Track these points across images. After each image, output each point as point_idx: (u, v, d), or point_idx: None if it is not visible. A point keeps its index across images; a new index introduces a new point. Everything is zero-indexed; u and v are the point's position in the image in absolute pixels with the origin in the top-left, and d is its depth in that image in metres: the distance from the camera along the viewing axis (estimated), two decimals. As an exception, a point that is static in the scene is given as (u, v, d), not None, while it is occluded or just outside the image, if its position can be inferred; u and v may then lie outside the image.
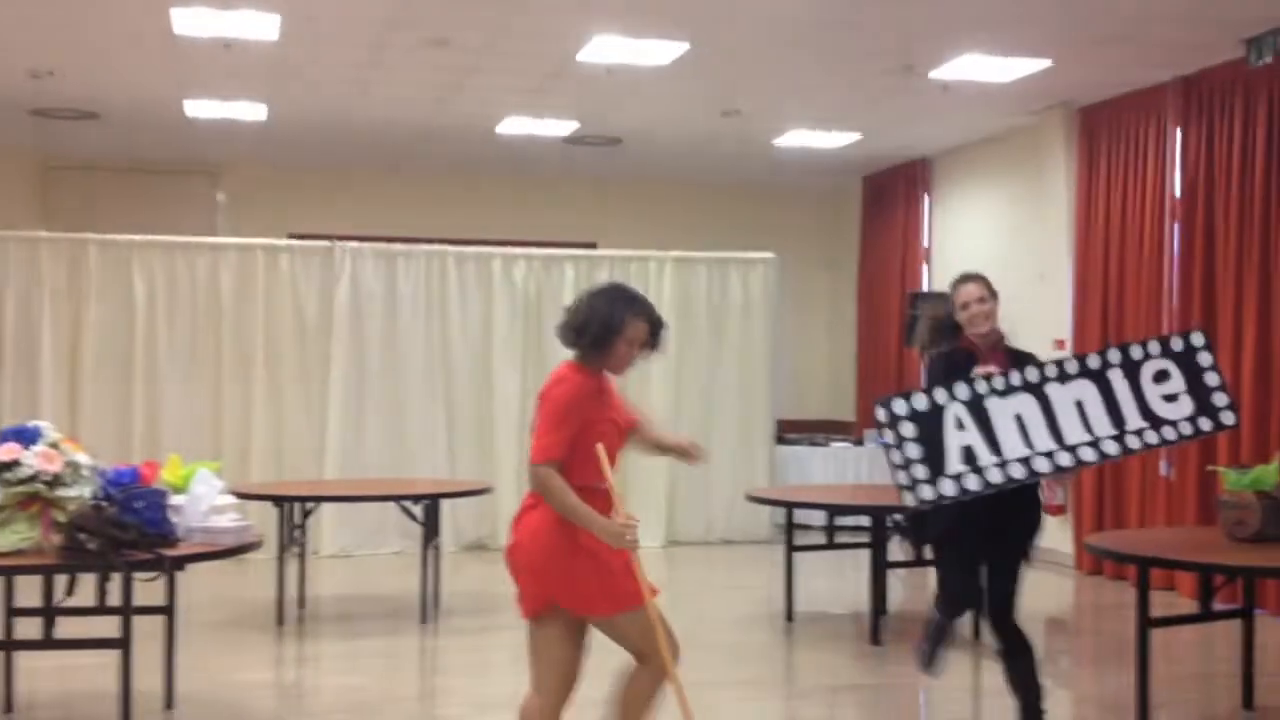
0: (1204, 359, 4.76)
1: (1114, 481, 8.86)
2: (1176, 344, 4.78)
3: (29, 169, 11.17)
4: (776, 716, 5.68)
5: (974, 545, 4.76)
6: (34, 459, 4.63)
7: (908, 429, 4.45)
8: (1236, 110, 7.95)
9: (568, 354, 3.94)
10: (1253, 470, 5.31)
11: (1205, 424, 4.71)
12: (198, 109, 9.57)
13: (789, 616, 7.46)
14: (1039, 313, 9.79)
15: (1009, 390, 4.55)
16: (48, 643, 4.99)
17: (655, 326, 3.89)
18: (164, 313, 9.79)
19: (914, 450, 4.43)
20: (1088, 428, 4.58)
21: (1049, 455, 4.54)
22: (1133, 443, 4.63)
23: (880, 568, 6.99)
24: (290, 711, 5.71)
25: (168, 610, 5.31)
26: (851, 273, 12.70)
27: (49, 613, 5.00)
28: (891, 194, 12.02)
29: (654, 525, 10.53)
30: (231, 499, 5.16)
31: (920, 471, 4.42)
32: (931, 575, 9.05)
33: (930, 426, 4.46)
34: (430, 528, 7.50)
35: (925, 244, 11.61)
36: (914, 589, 8.81)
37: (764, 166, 11.81)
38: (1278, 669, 6.21)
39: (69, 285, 9.62)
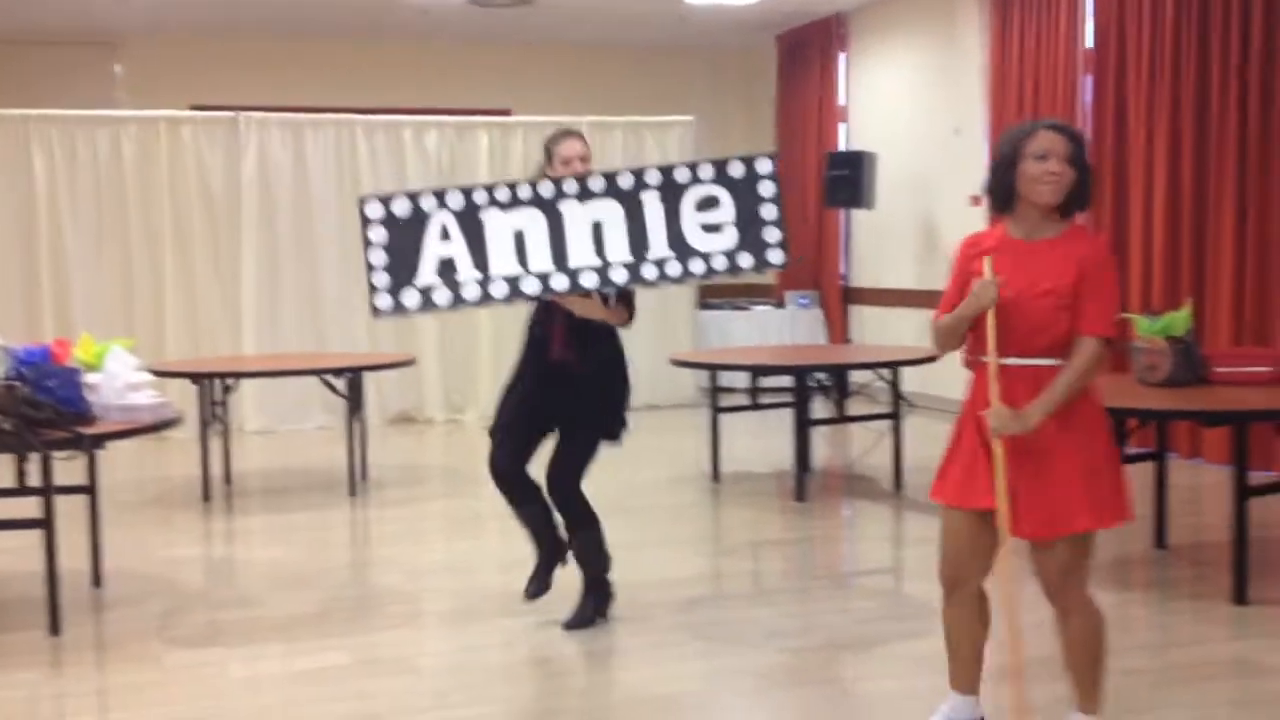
0: (765, 188, 4.30)
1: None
2: (735, 169, 4.33)
3: (-89, 42, 10.66)
4: (705, 572, 5.78)
5: (530, 412, 4.66)
6: (-60, 340, 4.49)
7: (378, 234, 4.18)
8: (1150, -41, 7.94)
9: None
10: (1163, 316, 5.43)
11: (745, 260, 4.28)
12: (89, -26, 9.16)
13: (715, 477, 7.57)
14: (954, 169, 9.86)
15: (513, 204, 4.22)
16: (-33, 526, 4.90)
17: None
18: (65, 188, 9.48)
19: (379, 256, 4.17)
20: (599, 251, 4.23)
21: (542, 277, 4.20)
22: (648, 272, 4.25)
23: (803, 426, 7.09)
24: (222, 584, 5.70)
25: (89, 489, 5.24)
26: (769, 134, 12.63)
27: (-34, 496, 4.90)
28: (807, 53, 11.91)
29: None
30: (148, 376, 5.08)
31: (382, 279, 4.16)
32: (851, 431, 9.27)
33: (408, 234, 4.17)
34: (354, 401, 7.45)
35: (842, 102, 11.55)
36: (836, 446, 8.98)
37: (677, 26, 11.63)
38: (1187, 510, 6.43)
39: (-35, 163, 9.27)
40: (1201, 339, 6.46)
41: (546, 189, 4.25)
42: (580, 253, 4.22)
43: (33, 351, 4.82)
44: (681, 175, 4.30)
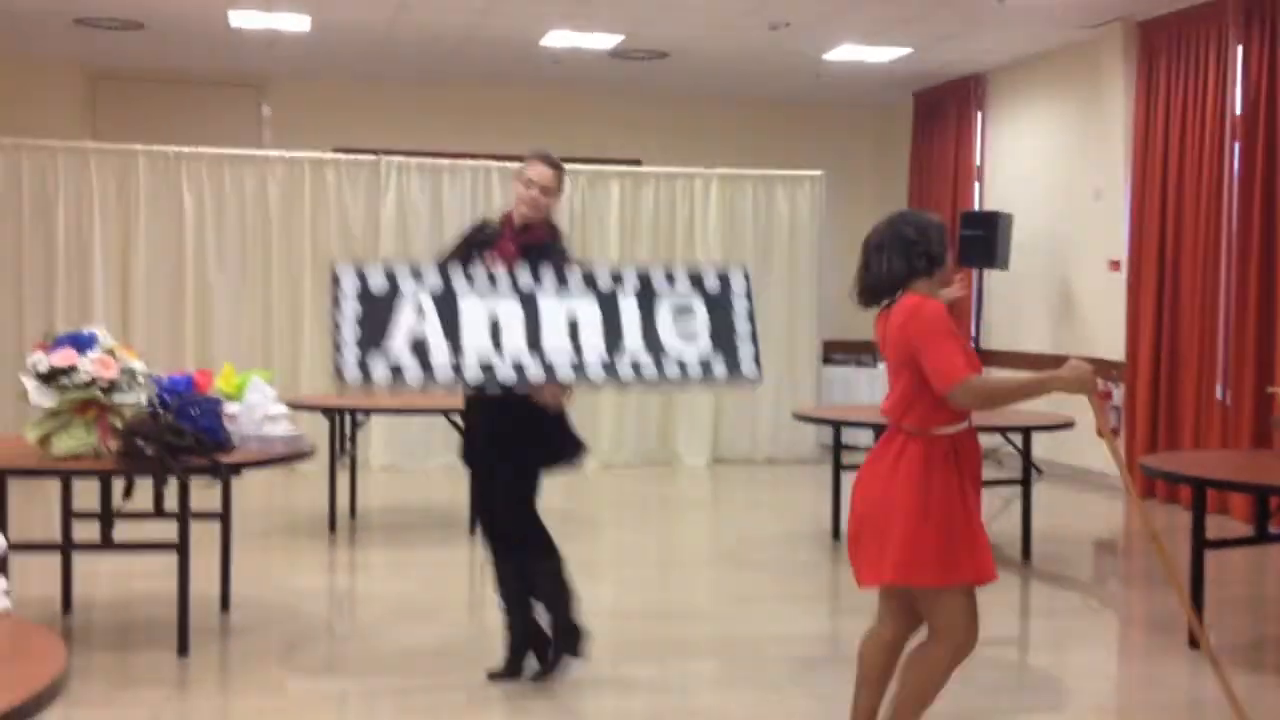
0: (739, 304, 4.29)
1: (1168, 404, 8.77)
2: (710, 282, 4.30)
3: (76, 80, 11.16)
4: (823, 632, 5.70)
5: (479, 453, 4.56)
6: (90, 365, 4.66)
7: (350, 306, 4.08)
8: (1304, 25, 7.74)
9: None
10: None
11: (719, 369, 4.25)
12: (242, 19, 9.50)
13: (835, 535, 7.47)
14: (1094, 233, 9.66)
15: (491, 292, 4.15)
16: (106, 546, 5.06)
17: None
18: (212, 225, 9.83)
19: (350, 329, 4.07)
20: (575, 347, 4.16)
21: (518, 367, 4.11)
22: (624, 371, 4.18)
23: (928, 486, 6.95)
24: (344, 616, 5.79)
25: (223, 516, 5.37)
26: (901, 191, 12.53)
27: (107, 516, 5.07)
28: (944, 111, 11.81)
29: (699, 443, 10.57)
30: (284, 408, 5.20)
31: (351, 352, 4.05)
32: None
33: (380, 309, 4.07)
34: (478, 441, 7.53)
35: (978, 162, 11.42)
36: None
37: (812, 82, 11.63)
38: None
39: (118, 196, 9.67)
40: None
41: (524, 281, 4.21)
42: (556, 347, 4.17)
43: (176, 380, 4.98)
44: (658, 282, 4.30)
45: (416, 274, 4.17)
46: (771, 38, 9.88)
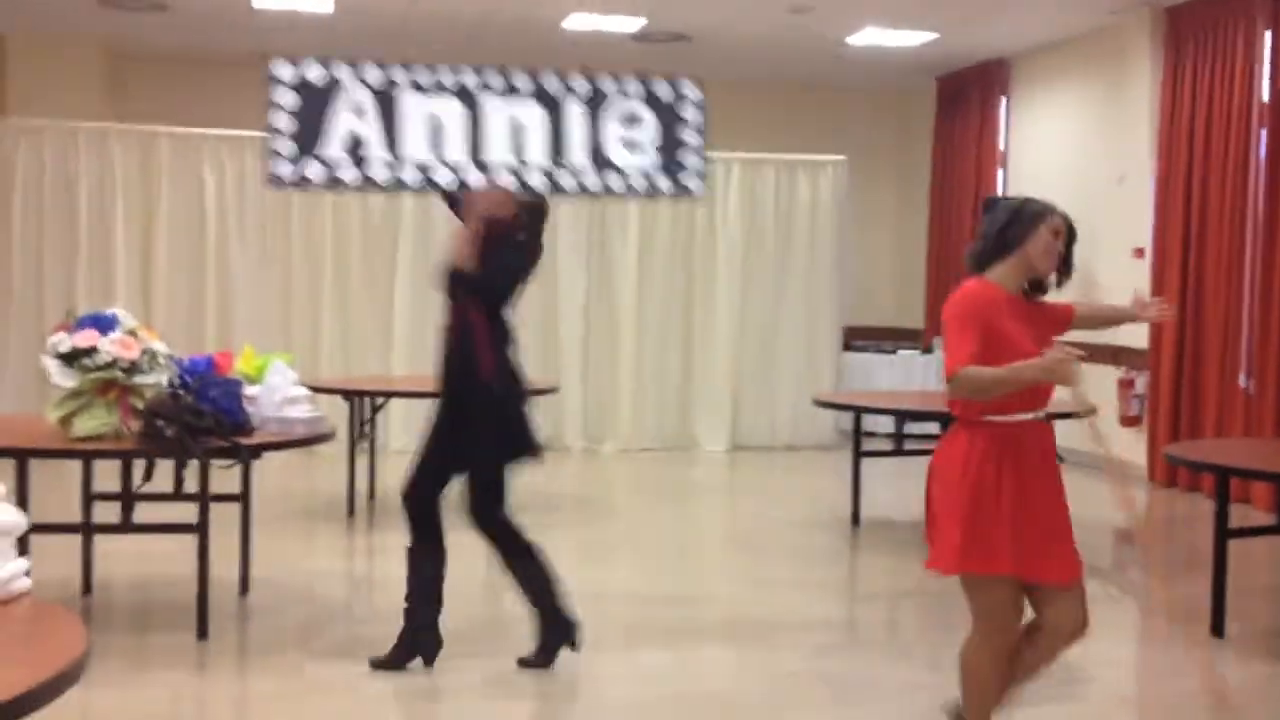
0: (690, 113, 4.25)
1: (1190, 393, 8.71)
2: (663, 90, 4.27)
3: (98, 61, 11.16)
4: (839, 618, 5.68)
5: (440, 447, 4.42)
6: (112, 346, 4.67)
7: (286, 98, 4.03)
8: (1335, 10, 7.65)
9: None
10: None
11: (663, 183, 4.24)
12: (264, 0, 9.50)
13: (855, 521, 7.45)
14: (1117, 218, 9.58)
15: (433, 89, 4.09)
16: (126, 527, 5.08)
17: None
18: (234, 207, 9.84)
19: (284, 122, 3.99)
20: (517, 152, 4.09)
21: (456, 169, 4.04)
22: (565, 181, 4.14)
23: (948, 474, 6.92)
24: (362, 599, 5.80)
25: (243, 498, 5.39)
26: (923, 176, 12.47)
27: (127, 498, 5.09)
28: (967, 96, 11.73)
29: (718, 429, 10.55)
30: (305, 390, 5.19)
31: (285, 146, 3.99)
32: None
33: (318, 102, 4.01)
34: (497, 425, 7.53)
35: (1001, 148, 11.35)
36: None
37: (835, 66, 11.56)
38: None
39: (140, 177, 9.69)
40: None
41: (470, 78, 4.13)
42: (497, 150, 4.09)
43: (197, 361, 4.99)
44: (608, 86, 4.24)
45: (355, 66, 4.13)
46: (793, 21, 9.82)
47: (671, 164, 4.23)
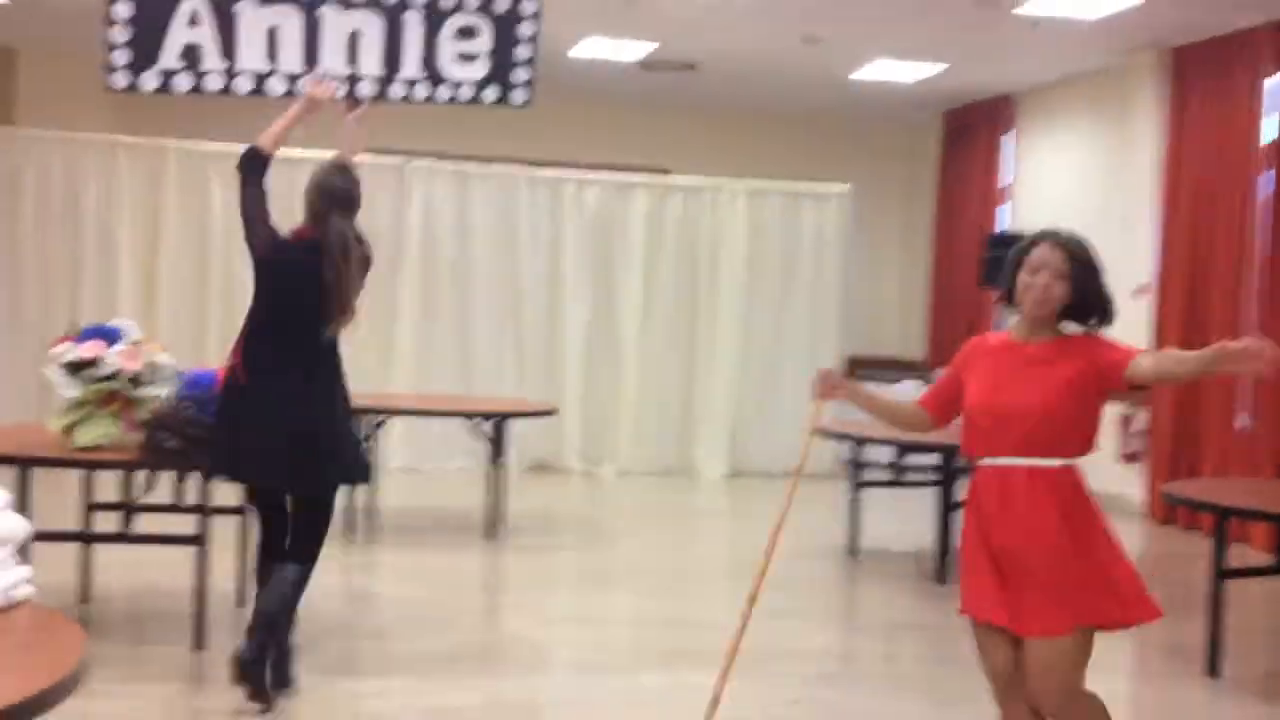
0: (526, 27, 4.33)
1: (1189, 432, 8.72)
2: (501, 4, 4.33)
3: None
4: (835, 649, 5.68)
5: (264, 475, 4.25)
6: (115, 357, 4.70)
7: (123, 7, 4.04)
8: (1340, 55, 7.70)
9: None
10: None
11: (491, 93, 4.33)
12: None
13: (852, 551, 7.44)
14: (1119, 258, 9.58)
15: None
16: (126, 537, 5.09)
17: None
18: (240, 220, 9.82)
19: (121, 32, 4.02)
20: (351, 60, 4.16)
21: (291, 78, 4.13)
22: (396, 91, 4.24)
23: (947, 507, 6.94)
24: (359, 616, 5.80)
25: (241, 510, 5.38)
26: (927, 209, 12.52)
27: (127, 508, 5.09)
28: (972, 131, 11.79)
29: (717, 455, 10.55)
30: (307, 406, 5.18)
31: (121, 56, 4.02)
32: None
33: (155, 11, 4.02)
34: (497, 446, 7.55)
35: (1005, 184, 11.40)
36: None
37: (842, 98, 11.62)
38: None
39: (147, 191, 9.72)
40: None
41: None
42: (332, 60, 4.17)
43: (200, 375, 5.00)
44: (446, 1, 4.29)
45: None
46: (803, 52, 9.88)
47: (501, 75, 4.33)
